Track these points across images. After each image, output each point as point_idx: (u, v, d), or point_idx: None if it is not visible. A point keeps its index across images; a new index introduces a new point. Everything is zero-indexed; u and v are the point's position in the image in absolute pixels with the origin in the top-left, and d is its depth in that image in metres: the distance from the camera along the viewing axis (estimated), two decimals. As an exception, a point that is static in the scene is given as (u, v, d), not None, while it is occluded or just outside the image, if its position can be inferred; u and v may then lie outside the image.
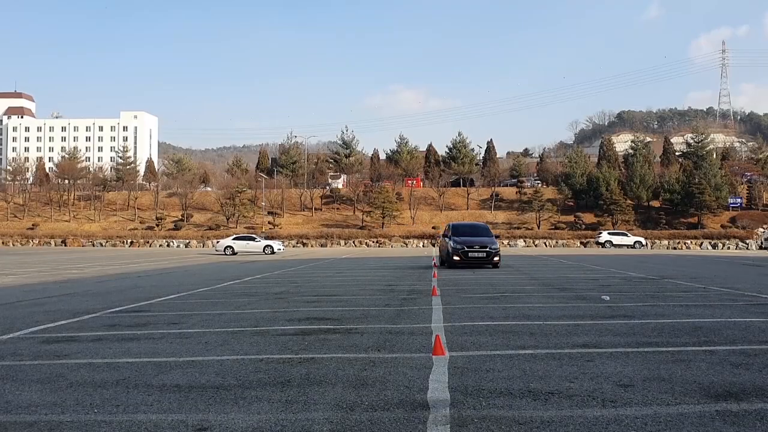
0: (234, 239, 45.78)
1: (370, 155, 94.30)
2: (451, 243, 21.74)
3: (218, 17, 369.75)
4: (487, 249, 21.01)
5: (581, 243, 65.17)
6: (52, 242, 70.36)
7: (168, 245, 67.99)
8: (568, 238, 66.32)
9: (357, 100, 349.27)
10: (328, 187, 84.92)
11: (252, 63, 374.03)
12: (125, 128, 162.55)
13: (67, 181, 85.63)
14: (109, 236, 70.97)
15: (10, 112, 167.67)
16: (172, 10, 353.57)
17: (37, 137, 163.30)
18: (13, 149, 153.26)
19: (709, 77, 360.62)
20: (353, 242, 66.82)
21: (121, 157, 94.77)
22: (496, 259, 21.19)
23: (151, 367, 5.79)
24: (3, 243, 69.97)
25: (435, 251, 39.51)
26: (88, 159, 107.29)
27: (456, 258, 20.89)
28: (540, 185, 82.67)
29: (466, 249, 20.83)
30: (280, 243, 48.60)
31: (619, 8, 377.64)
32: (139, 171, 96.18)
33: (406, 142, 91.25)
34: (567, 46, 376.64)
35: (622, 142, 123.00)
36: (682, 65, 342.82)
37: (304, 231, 70.36)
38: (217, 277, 18.59)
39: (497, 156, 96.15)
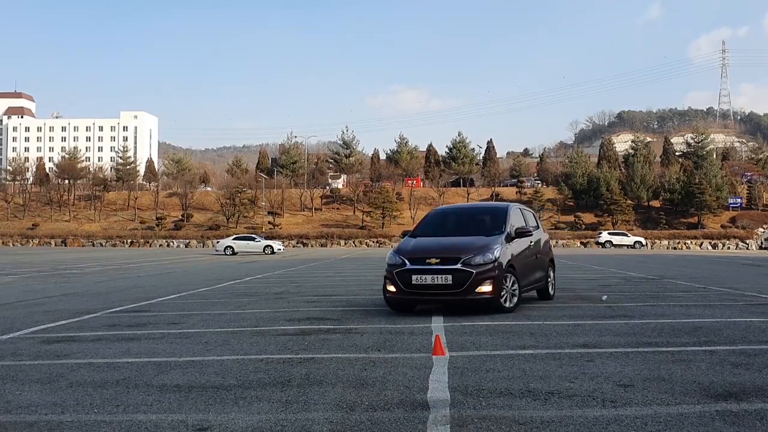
0: (234, 239, 45.83)
1: (370, 155, 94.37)
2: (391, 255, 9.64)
3: (218, 17, 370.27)
4: (457, 267, 8.75)
5: (581, 243, 65.21)
6: (52, 242, 70.39)
7: (168, 245, 68.01)
8: (569, 238, 66.36)
9: (358, 100, 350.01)
10: (328, 187, 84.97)
11: (252, 63, 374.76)
12: (125, 128, 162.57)
13: (67, 181, 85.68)
14: (109, 236, 71.00)
15: (10, 112, 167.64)
16: (172, 10, 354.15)
17: (37, 137, 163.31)
18: (13, 149, 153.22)
19: (709, 77, 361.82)
20: (353, 242, 66.84)
21: (121, 157, 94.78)
22: (484, 288, 8.77)
23: (151, 367, 5.79)
24: (3, 243, 69.98)
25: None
26: (88, 159, 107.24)
27: (389, 288, 9.27)
28: (540, 185, 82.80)
29: (408, 267, 9.01)
30: (280, 243, 48.65)
31: (619, 8, 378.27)
32: (139, 171, 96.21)
33: (406, 142, 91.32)
34: (567, 46, 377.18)
35: (622, 142, 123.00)
36: (682, 65, 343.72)
37: (304, 231, 70.36)
38: (217, 277, 18.59)
39: (497, 156, 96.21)
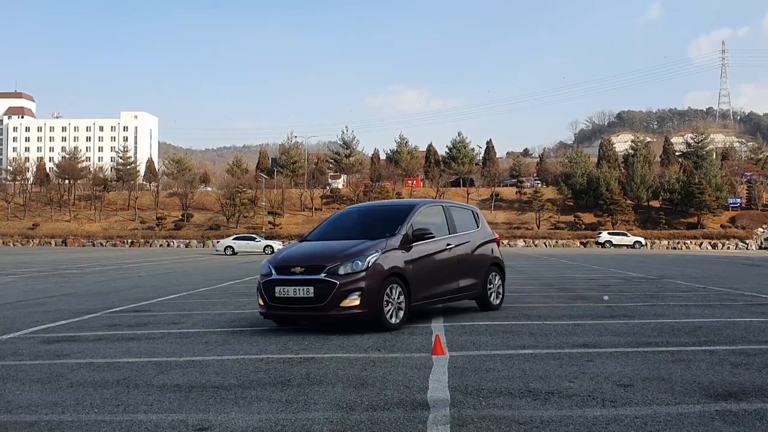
0: (234, 239, 45.88)
1: (370, 155, 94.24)
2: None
3: (218, 17, 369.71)
4: (320, 278, 7.45)
5: (581, 243, 65.20)
6: (53, 242, 70.40)
7: (168, 245, 68.02)
8: (568, 238, 66.36)
9: (358, 101, 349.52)
10: (328, 187, 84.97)
11: (252, 63, 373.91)
12: (125, 128, 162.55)
13: (67, 181, 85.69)
14: (110, 236, 71.02)
15: (11, 112, 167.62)
16: (172, 10, 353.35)
17: (38, 137, 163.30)
18: (14, 149, 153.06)
19: (709, 77, 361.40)
20: (353, 242, 66.80)
21: (121, 157, 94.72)
22: (351, 302, 7.39)
23: (151, 366, 5.80)
24: (3, 243, 69.99)
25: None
26: (88, 159, 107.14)
27: (259, 301, 8.06)
28: (540, 185, 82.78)
29: (273, 277, 7.78)
30: (281, 243, 48.67)
31: (619, 8, 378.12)
32: (139, 171, 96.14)
33: (406, 142, 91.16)
34: (567, 46, 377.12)
35: (622, 142, 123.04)
36: (682, 65, 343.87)
37: (305, 231, 70.35)
38: (217, 277, 18.59)
39: (497, 156, 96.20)
